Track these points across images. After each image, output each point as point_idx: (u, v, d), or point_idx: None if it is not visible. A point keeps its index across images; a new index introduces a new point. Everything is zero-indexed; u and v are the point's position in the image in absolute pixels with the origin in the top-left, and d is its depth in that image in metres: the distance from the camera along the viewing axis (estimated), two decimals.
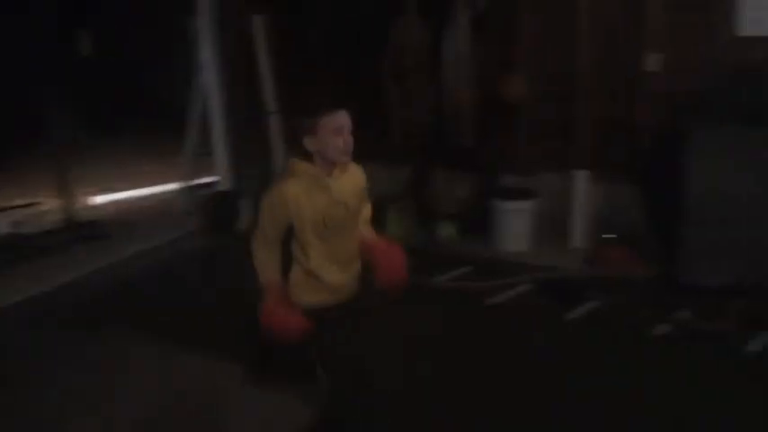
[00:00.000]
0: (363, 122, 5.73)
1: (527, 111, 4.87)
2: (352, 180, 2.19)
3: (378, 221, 5.04)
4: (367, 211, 2.33)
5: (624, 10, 4.51)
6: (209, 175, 5.76)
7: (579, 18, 4.62)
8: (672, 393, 2.80)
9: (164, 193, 6.14)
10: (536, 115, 4.87)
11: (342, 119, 2.08)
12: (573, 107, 4.73)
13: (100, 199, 6.05)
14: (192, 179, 5.72)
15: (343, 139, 2.07)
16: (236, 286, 4.04)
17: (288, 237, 2.18)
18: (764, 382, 2.87)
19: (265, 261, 2.18)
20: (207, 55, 5.30)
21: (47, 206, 5.59)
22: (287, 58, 5.62)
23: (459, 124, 4.91)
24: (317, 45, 5.62)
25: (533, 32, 4.81)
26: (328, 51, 5.56)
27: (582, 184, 4.59)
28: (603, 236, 4.50)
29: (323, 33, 5.58)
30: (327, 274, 2.17)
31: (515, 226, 4.59)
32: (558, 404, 2.75)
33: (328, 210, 2.10)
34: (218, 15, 5.39)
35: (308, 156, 2.09)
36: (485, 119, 4.89)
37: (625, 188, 4.63)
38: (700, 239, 3.77)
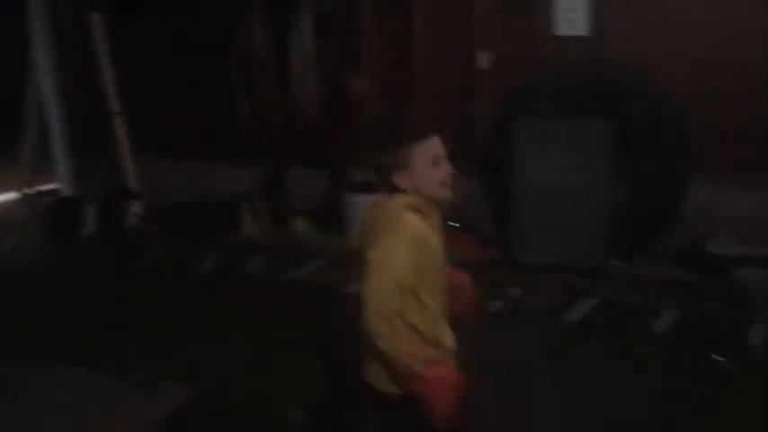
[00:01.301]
0: (214, 123, 5.64)
1: (371, 106, 5.06)
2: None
3: (232, 221, 5.04)
4: None
5: (457, 10, 4.81)
6: (50, 181, 5.46)
7: (415, 18, 4.87)
8: (500, 360, 3.02)
9: (2, 202, 5.76)
10: (380, 111, 5.06)
11: (436, 146, 1.74)
12: (414, 102, 4.98)
13: None
14: (33, 186, 5.40)
15: (442, 170, 1.74)
16: (80, 294, 3.95)
17: None
18: (581, 346, 3.23)
19: (411, 338, 1.67)
20: (41, 55, 5.02)
21: None
22: (132, 57, 5.44)
23: (308, 122, 5.01)
24: (164, 44, 5.50)
25: (374, 31, 5.00)
26: (175, 51, 5.46)
27: None
28: (449, 224, 4.76)
29: (170, 33, 5.47)
30: (447, 337, 1.82)
31: None
32: None
33: (441, 251, 1.80)
34: (54, 13, 5.12)
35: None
36: (331, 115, 5.03)
37: (468, 180, 4.93)
38: (528, 224, 4.17)
